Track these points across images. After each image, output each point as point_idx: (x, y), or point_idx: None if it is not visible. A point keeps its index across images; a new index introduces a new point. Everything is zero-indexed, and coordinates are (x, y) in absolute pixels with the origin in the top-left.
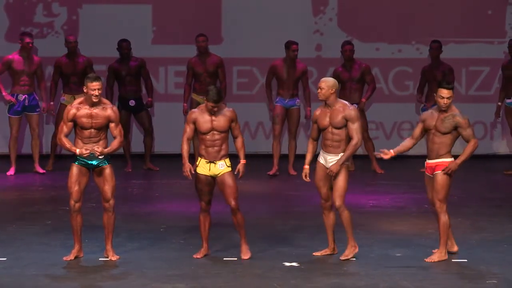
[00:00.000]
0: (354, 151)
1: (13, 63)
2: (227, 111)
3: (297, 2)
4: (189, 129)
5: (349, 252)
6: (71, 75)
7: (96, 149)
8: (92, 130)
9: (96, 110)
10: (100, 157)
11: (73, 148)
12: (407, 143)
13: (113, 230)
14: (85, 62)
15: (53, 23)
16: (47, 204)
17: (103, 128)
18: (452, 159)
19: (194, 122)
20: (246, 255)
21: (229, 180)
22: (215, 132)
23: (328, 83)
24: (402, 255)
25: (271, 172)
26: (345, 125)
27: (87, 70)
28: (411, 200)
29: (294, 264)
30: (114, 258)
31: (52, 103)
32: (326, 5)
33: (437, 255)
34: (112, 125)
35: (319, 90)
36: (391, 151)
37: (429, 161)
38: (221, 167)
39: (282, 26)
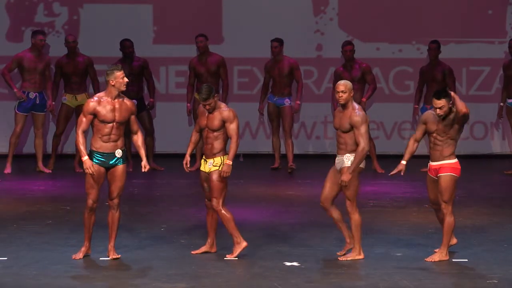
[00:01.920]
0: (362, 157)
1: (23, 61)
2: (224, 111)
3: (298, 2)
4: (196, 123)
5: (350, 256)
6: (72, 75)
7: (144, 170)
8: (115, 124)
9: (118, 104)
10: (118, 155)
11: (83, 152)
12: (412, 148)
13: (117, 229)
14: (85, 61)
15: (54, 23)
16: (47, 204)
17: (124, 123)
18: (456, 160)
19: (197, 117)
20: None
21: (212, 180)
22: (208, 129)
23: (348, 86)
24: (402, 255)
25: (274, 166)
26: (350, 130)
27: (88, 70)
28: (411, 200)
29: (295, 263)
30: (114, 257)
31: (53, 103)
32: (326, 5)
33: (438, 255)
34: (133, 117)
35: (341, 94)
36: (402, 162)
37: (433, 163)
38: (209, 165)
39: (282, 26)
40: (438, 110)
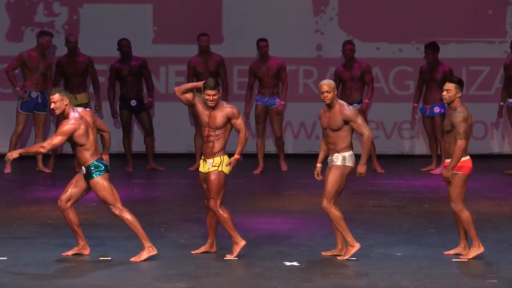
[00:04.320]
0: (368, 145)
1: (27, 60)
2: (226, 108)
3: (298, 2)
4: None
5: (345, 253)
6: (72, 75)
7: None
8: None
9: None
10: (83, 172)
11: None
12: None
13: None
14: (86, 61)
15: (54, 22)
16: (47, 203)
17: (72, 141)
18: (464, 158)
19: (196, 104)
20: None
21: (210, 180)
22: (209, 128)
23: (331, 85)
24: (402, 254)
25: (257, 171)
26: (342, 127)
27: (88, 69)
28: (411, 200)
29: (295, 263)
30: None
31: None
32: (326, 4)
33: (472, 251)
34: (75, 136)
35: (325, 94)
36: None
37: (446, 160)
38: (209, 165)
39: (282, 25)
40: (444, 92)
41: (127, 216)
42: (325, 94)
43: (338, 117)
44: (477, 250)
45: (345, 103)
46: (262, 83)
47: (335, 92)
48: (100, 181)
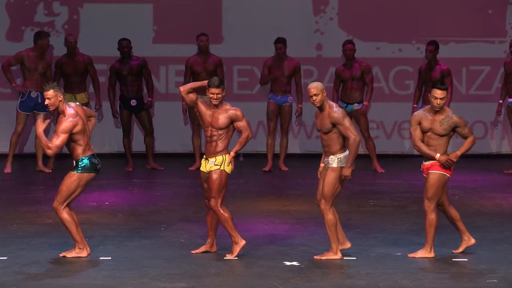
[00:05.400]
0: (355, 149)
1: (25, 60)
2: (229, 110)
3: (298, 2)
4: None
5: (326, 255)
6: (72, 75)
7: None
8: None
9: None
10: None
11: None
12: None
13: (66, 230)
14: (85, 60)
15: (54, 22)
16: (48, 204)
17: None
18: None
19: (198, 104)
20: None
21: (211, 178)
22: (212, 128)
23: (319, 87)
24: (402, 255)
25: (266, 168)
26: (331, 130)
27: (88, 69)
28: (411, 200)
29: (295, 263)
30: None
31: None
32: (326, 4)
33: (421, 252)
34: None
35: (314, 98)
36: (437, 155)
37: (425, 163)
38: (211, 164)
39: (282, 25)
40: (438, 100)
41: (64, 215)
42: (314, 98)
43: (327, 119)
44: (426, 253)
45: (334, 105)
46: (276, 81)
47: (325, 94)
48: (74, 177)
